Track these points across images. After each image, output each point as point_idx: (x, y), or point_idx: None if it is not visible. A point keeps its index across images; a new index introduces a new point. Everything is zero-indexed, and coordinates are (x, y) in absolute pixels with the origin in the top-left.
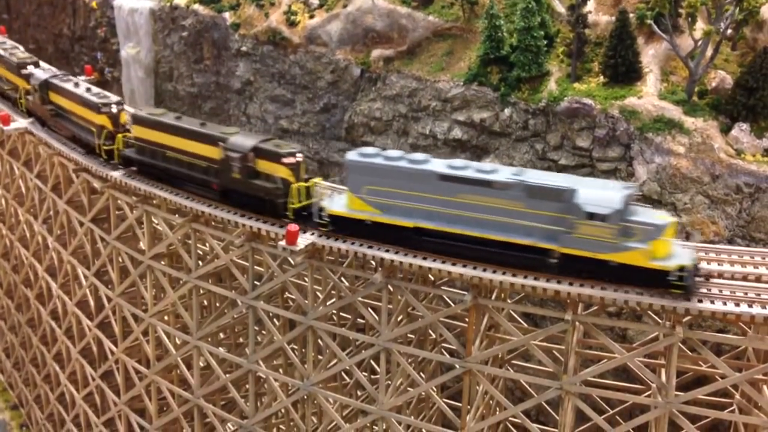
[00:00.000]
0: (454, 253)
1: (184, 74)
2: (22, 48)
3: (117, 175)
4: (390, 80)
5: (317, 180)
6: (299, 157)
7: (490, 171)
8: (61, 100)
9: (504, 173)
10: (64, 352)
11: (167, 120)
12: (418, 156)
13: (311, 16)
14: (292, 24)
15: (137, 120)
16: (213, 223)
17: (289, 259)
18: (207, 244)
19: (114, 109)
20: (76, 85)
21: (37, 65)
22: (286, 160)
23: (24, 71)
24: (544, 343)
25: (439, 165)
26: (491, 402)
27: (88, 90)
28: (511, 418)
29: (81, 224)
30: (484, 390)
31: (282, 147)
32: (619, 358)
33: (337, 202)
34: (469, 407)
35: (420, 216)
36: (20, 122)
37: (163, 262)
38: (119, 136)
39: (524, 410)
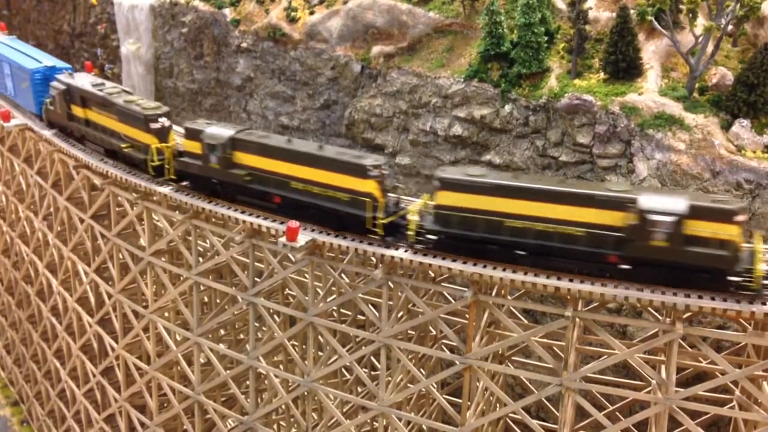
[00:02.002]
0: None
1: (184, 71)
2: (128, 89)
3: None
4: (390, 77)
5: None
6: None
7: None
8: (270, 163)
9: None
10: (65, 349)
11: (504, 181)
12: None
13: (311, 13)
14: (292, 20)
15: (446, 185)
16: (213, 220)
17: (290, 255)
18: (207, 241)
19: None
20: (289, 141)
21: (169, 116)
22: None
23: (154, 125)
24: (545, 340)
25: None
26: (491, 398)
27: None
28: (511, 415)
29: (81, 221)
30: (485, 386)
31: (724, 202)
32: (619, 355)
33: None
34: (469, 403)
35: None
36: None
37: (163, 259)
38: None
39: (524, 406)
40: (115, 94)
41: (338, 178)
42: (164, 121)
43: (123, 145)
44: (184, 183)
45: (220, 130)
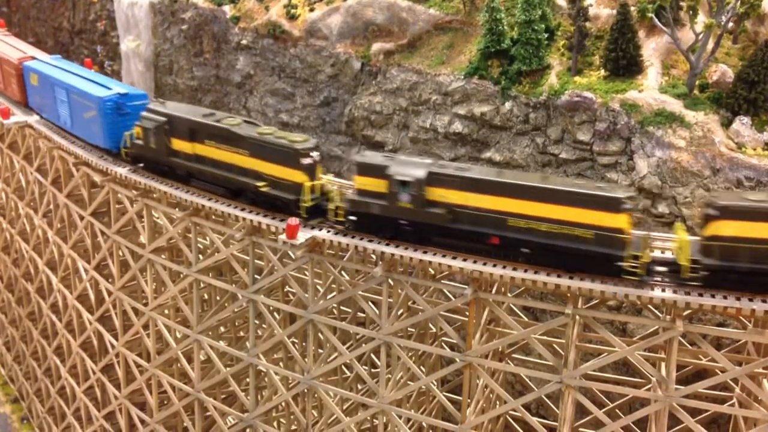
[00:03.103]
0: None
1: (184, 67)
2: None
3: None
4: (390, 74)
5: None
6: None
7: None
8: (479, 199)
9: None
10: (65, 346)
11: None
12: None
13: (311, 10)
14: (292, 17)
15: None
16: (213, 217)
17: (290, 252)
18: (207, 238)
19: None
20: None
21: (318, 148)
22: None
23: (305, 160)
24: (545, 337)
25: None
26: (491, 396)
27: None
28: (511, 412)
29: (81, 218)
30: (485, 384)
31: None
32: (619, 352)
33: None
34: (469, 401)
35: None
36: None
37: (163, 256)
38: None
39: (524, 404)
40: (238, 125)
41: (579, 213)
42: (315, 156)
43: (259, 184)
44: (347, 224)
45: (410, 165)
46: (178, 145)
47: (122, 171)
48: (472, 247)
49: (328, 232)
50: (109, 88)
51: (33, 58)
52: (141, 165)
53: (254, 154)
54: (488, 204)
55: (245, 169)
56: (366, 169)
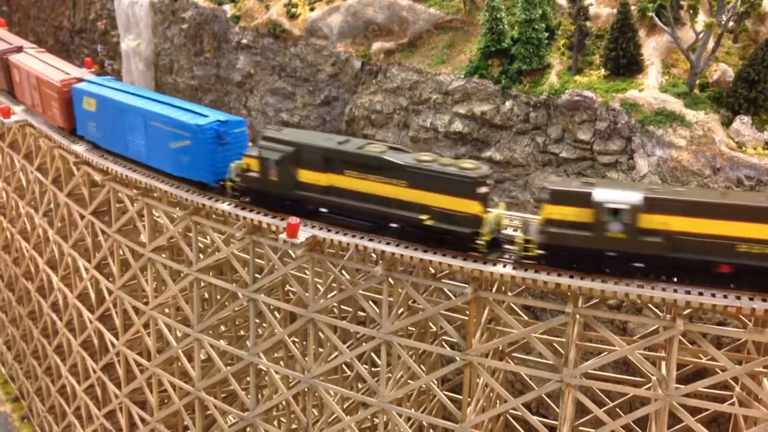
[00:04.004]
0: None
1: (184, 67)
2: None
3: None
4: (391, 73)
5: None
6: None
7: None
8: (705, 224)
9: None
10: (65, 345)
11: None
12: None
13: (312, 9)
14: (292, 16)
15: None
16: (214, 216)
17: (290, 252)
18: (208, 237)
19: None
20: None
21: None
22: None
23: (482, 189)
24: (545, 336)
25: None
26: (492, 394)
27: None
28: (511, 411)
29: (82, 217)
30: (485, 382)
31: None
32: (619, 351)
33: None
34: (469, 400)
35: None
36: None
37: (163, 255)
38: None
39: (524, 403)
40: (384, 152)
41: None
42: (490, 183)
43: (423, 218)
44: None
45: (616, 190)
46: (308, 176)
47: (122, 170)
48: (691, 276)
49: (514, 268)
50: (204, 115)
51: (81, 79)
52: (247, 199)
53: (415, 184)
54: (716, 229)
55: (402, 202)
56: (563, 198)
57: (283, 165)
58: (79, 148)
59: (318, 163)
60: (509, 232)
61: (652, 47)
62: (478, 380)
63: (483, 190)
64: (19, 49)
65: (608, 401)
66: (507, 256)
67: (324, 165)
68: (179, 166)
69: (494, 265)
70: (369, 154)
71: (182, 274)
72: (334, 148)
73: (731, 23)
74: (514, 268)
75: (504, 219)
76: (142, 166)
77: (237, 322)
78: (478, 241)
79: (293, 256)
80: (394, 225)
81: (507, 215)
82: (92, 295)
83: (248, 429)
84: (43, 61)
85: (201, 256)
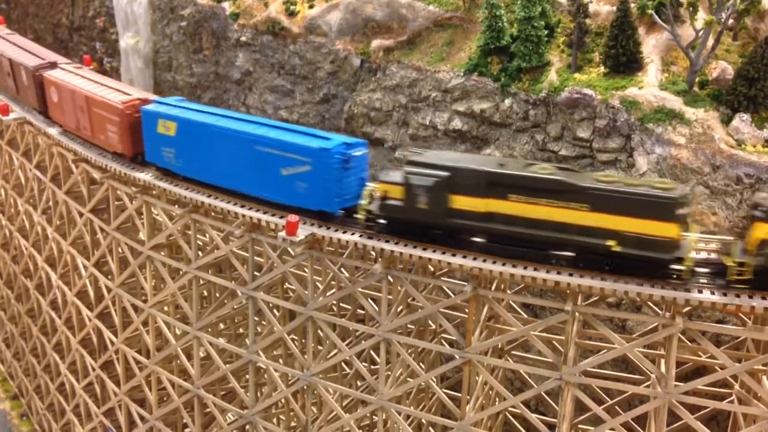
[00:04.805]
0: None
1: (183, 64)
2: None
3: None
4: (390, 71)
5: None
6: None
7: None
8: None
9: None
10: (64, 343)
11: None
12: None
13: (311, 6)
14: (291, 14)
15: None
16: (213, 214)
17: (289, 249)
18: (207, 235)
19: None
20: None
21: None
22: None
23: (682, 210)
24: (544, 334)
25: None
26: (491, 392)
27: None
28: (510, 409)
29: (80, 215)
30: (484, 380)
31: None
32: (618, 349)
33: None
34: (468, 397)
35: None
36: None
37: (162, 253)
38: None
39: (524, 400)
40: (553, 173)
41: None
42: (690, 203)
43: (609, 243)
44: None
45: None
46: (463, 203)
47: (120, 167)
48: None
49: (725, 294)
50: (323, 137)
51: (146, 100)
52: (376, 229)
53: (599, 207)
54: None
55: (582, 227)
56: None
57: (435, 191)
58: (146, 176)
59: (477, 187)
60: (702, 255)
61: (651, 45)
62: (477, 378)
63: (683, 211)
64: (53, 65)
65: (607, 399)
66: (708, 281)
67: (484, 190)
68: (293, 194)
69: (493, 262)
70: (542, 176)
71: (181, 272)
72: (499, 172)
73: (731, 21)
74: (724, 294)
75: (696, 241)
76: (238, 196)
77: (236, 320)
78: (679, 267)
79: (292, 253)
80: (566, 253)
81: (701, 237)
82: (91, 293)
83: (247, 427)
84: (88, 79)
85: (200, 253)
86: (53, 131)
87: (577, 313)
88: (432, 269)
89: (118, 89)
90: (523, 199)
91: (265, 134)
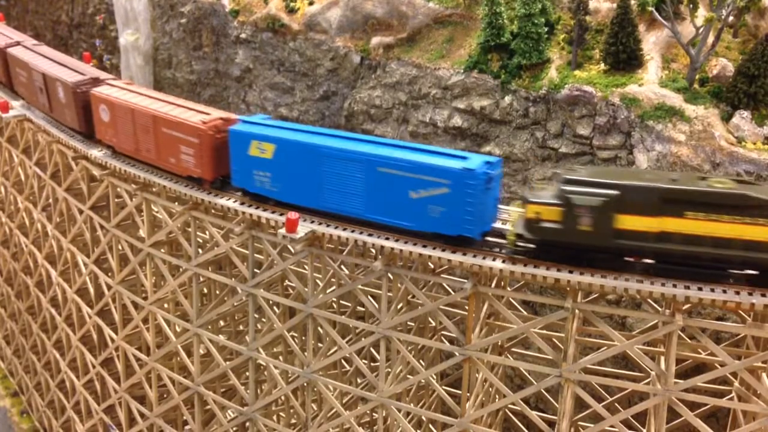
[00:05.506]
0: None
1: (183, 61)
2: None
3: None
4: (390, 68)
5: None
6: None
7: None
8: None
9: None
10: (64, 340)
11: None
12: None
13: (311, 3)
14: (291, 11)
15: None
16: (213, 211)
17: (289, 247)
18: (207, 232)
19: None
20: None
21: None
22: None
23: None
24: (544, 331)
25: None
26: (491, 389)
27: None
28: (510, 406)
29: (80, 212)
30: (484, 377)
31: None
32: (618, 346)
33: None
34: (468, 395)
35: None
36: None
37: (162, 250)
38: None
39: (524, 398)
40: (736, 188)
41: None
42: None
43: None
44: None
45: None
46: (632, 222)
47: (120, 165)
48: None
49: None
50: (458, 156)
51: (228, 119)
52: (525, 254)
53: None
54: None
55: None
56: None
57: (601, 212)
58: (233, 204)
59: (649, 206)
60: None
61: (651, 42)
62: (477, 375)
63: None
64: (96, 81)
65: (607, 396)
66: None
67: (657, 208)
68: (424, 218)
69: (493, 260)
70: (727, 191)
71: (181, 269)
72: (677, 188)
73: (731, 18)
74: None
75: None
76: (346, 220)
77: (236, 317)
78: None
79: (292, 251)
80: (749, 271)
81: None
82: (91, 290)
83: (247, 424)
84: (148, 96)
85: (200, 251)
86: (98, 153)
87: (577, 310)
88: (432, 266)
89: (188, 107)
90: (702, 216)
91: (391, 155)
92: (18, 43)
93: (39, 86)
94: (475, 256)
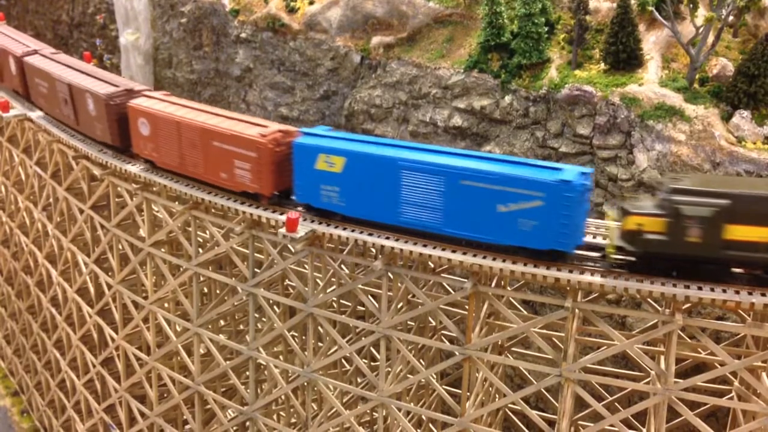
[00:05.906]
0: None
1: (183, 61)
2: None
3: None
4: (390, 67)
5: None
6: None
7: None
8: None
9: None
10: (65, 339)
11: None
12: None
13: (311, 3)
14: (291, 10)
15: None
16: (213, 211)
17: (290, 246)
18: (207, 232)
19: None
20: None
21: None
22: None
23: None
24: (544, 331)
25: None
26: (491, 389)
27: None
28: (510, 405)
29: (81, 211)
30: (484, 377)
31: None
32: (618, 346)
33: None
34: (468, 394)
35: None
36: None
37: (163, 250)
38: None
39: (523, 397)
40: None
41: None
42: None
43: None
44: None
45: None
46: (744, 233)
47: (120, 164)
48: None
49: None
50: (550, 168)
51: (288, 132)
52: (623, 267)
53: None
54: None
55: None
56: None
57: (712, 222)
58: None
59: (762, 216)
60: None
61: (651, 42)
62: (477, 374)
63: None
64: (131, 92)
65: (607, 395)
66: None
67: None
68: (513, 232)
69: (493, 259)
70: None
71: (181, 269)
72: None
73: (731, 17)
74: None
75: None
76: (421, 236)
77: (236, 317)
78: None
79: (292, 250)
80: None
81: None
82: (91, 290)
83: (248, 423)
84: (192, 108)
85: (200, 250)
86: (135, 169)
87: (577, 310)
88: (432, 266)
89: (240, 119)
90: None
91: (478, 167)
92: (35, 52)
93: (63, 98)
94: (571, 272)
